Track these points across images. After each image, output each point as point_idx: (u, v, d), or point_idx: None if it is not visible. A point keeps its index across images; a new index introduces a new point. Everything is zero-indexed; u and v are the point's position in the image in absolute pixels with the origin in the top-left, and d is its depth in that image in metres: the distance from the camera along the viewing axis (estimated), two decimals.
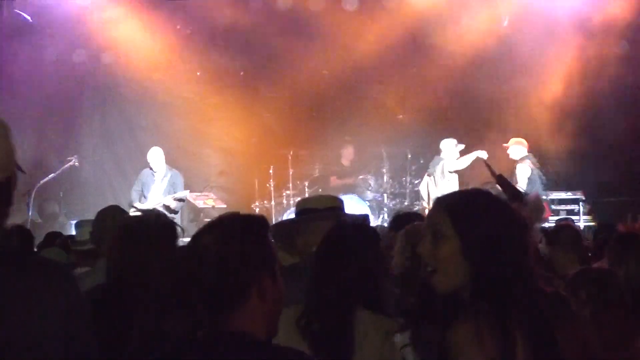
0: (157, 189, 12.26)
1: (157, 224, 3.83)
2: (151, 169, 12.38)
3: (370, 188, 14.10)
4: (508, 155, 12.43)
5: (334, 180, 14.32)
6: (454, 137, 13.09)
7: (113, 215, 5.17)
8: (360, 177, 14.22)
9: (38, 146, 12.51)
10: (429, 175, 13.14)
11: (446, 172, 12.73)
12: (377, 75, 14.80)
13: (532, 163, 12.17)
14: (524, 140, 12.40)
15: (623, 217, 7.45)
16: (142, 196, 12.31)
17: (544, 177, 12.34)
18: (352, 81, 14.87)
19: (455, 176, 12.81)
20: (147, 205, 11.75)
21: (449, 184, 12.56)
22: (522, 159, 12.27)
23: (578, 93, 13.55)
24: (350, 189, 13.95)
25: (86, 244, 5.55)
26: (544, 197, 11.70)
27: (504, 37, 14.22)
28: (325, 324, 3.38)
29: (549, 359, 2.37)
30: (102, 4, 13.53)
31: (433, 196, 12.23)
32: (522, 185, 11.65)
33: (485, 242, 2.39)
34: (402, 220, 5.79)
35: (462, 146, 12.84)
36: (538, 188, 11.82)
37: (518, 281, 2.36)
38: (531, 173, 12.13)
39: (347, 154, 14.53)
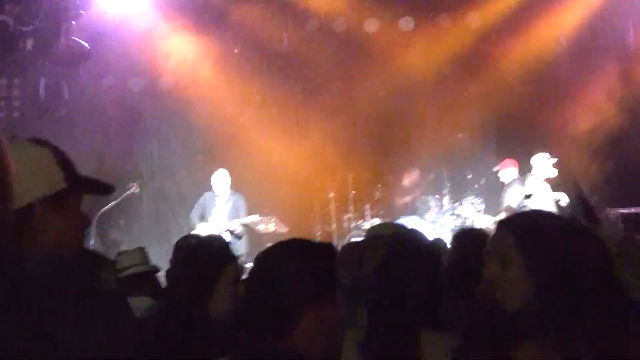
0: (219, 213, 11.82)
1: (213, 247, 3.85)
2: (213, 192, 11.98)
3: (431, 209, 13.91)
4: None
5: (395, 202, 14.14)
6: (509, 157, 12.74)
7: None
8: (421, 197, 14.05)
9: (98, 173, 12.43)
10: (527, 197, 11.87)
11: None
12: (434, 95, 14.68)
13: (522, 187, 11.96)
14: (516, 163, 12.30)
15: None
16: (204, 220, 11.89)
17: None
18: (409, 101, 14.81)
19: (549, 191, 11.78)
20: (210, 229, 11.25)
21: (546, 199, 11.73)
22: (512, 182, 12.19)
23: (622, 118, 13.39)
24: (411, 210, 13.83)
25: (123, 272, 5.72)
26: None
27: (557, 59, 14.21)
28: (389, 346, 3.30)
29: None
30: (158, 30, 13.63)
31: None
32: (512, 207, 11.56)
33: (552, 264, 2.35)
34: (465, 238, 5.67)
35: (554, 160, 11.88)
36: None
37: (585, 304, 2.32)
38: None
39: (410, 176, 14.38)
